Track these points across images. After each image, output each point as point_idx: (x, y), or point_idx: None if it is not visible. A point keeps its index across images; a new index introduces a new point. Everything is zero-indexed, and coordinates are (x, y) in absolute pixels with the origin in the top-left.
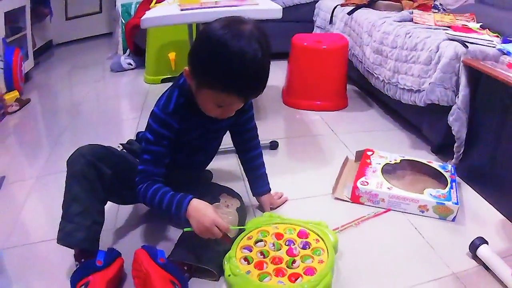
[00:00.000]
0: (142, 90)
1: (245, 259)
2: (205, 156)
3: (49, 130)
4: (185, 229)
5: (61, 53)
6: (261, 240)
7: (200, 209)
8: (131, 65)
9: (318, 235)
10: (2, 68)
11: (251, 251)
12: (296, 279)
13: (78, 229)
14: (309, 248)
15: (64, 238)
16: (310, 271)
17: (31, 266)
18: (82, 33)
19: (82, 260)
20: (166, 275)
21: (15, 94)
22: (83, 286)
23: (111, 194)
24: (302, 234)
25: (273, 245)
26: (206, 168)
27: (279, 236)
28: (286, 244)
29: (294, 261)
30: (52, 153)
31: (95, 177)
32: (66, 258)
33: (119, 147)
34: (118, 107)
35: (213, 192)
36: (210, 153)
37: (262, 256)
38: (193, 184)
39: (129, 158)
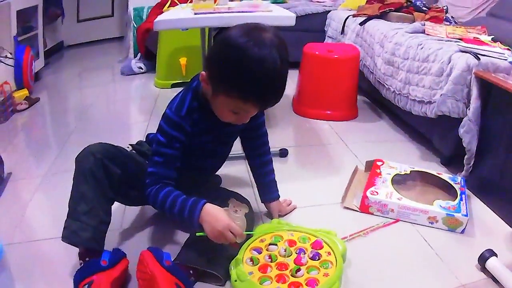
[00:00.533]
0: (152, 94)
1: (251, 259)
2: (216, 161)
3: (57, 129)
4: (198, 234)
5: (72, 55)
6: (275, 244)
7: (214, 214)
8: (142, 69)
9: (330, 247)
10: (12, 66)
11: (260, 253)
12: None
13: (84, 228)
14: (318, 259)
15: (69, 237)
16: (312, 282)
17: (34, 263)
18: (93, 36)
19: (87, 259)
20: (171, 278)
21: (24, 92)
22: (86, 286)
23: (118, 194)
24: (316, 245)
25: (285, 250)
26: (216, 173)
27: (292, 243)
28: (297, 252)
29: (298, 270)
30: (60, 153)
31: (104, 176)
32: (69, 256)
33: (128, 147)
34: (128, 110)
35: (221, 196)
36: (221, 158)
37: (269, 260)
38: (202, 188)
39: (138, 159)
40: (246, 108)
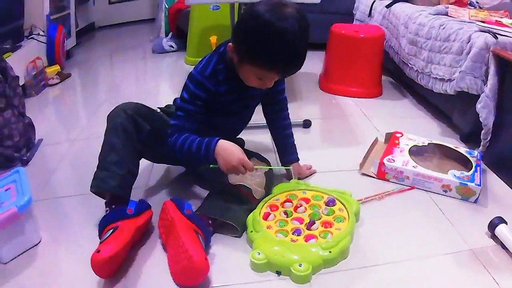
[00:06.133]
0: (182, 71)
1: (268, 214)
2: (239, 122)
3: (88, 102)
4: (212, 166)
5: (103, 36)
6: (290, 201)
7: (228, 149)
8: (173, 47)
9: (342, 203)
10: (44, 42)
11: (276, 209)
12: (309, 240)
13: (113, 176)
14: (332, 215)
15: (98, 185)
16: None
17: (60, 217)
18: (124, 18)
19: (113, 206)
20: (190, 224)
21: (56, 68)
22: (111, 230)
23: (146, 148)
24: (329, 202)
25: (285, 213)
26: (239, 136)
27: (306, 201)
28: (311, 208)
29: (313, 223)
30: (89, 123)
31: (134, 130)
32: (93, 212)
33: (157, 109)
34: (158, 85)
35: None
36: (243, 120)
37: (285, 216)
38: None
39: (166, 118)
40: (270, 75)
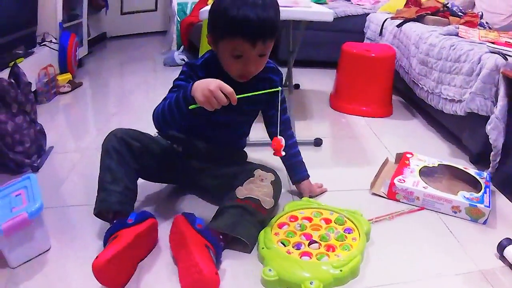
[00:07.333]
0: None
1: (284, 224)
2: (233, 135)
3: (99, 111)
4: (191, 107)
5: (114, 46)
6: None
7: (204, 81)
8: (184, 61)
9: (356, 227)
10: (56, 50)
11: (295, 221)
12: (302, 256)
13: (111, 194)
14: (341, 241)
15: (98, 206)
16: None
17: (68, 225)
18: (136, 29)
19: (114, 221)
20: (202, 239)
21: (67, 76)
22: (112, 239)
23: (141, 165)
24: (346, 230)
25: (299, 225)
26: (243, 149)
27: (327, 221)
28: (327, 230)
29: (314, 242)
30: (99, 133)
31: (126, 149)
32: (102, 222)
33: (155, 134)
34: None
35: (247, 168)
36: (237, 132)
37: (299, 228)
38: (228, 161)
39: (161, 141)
40: (240, 47)
